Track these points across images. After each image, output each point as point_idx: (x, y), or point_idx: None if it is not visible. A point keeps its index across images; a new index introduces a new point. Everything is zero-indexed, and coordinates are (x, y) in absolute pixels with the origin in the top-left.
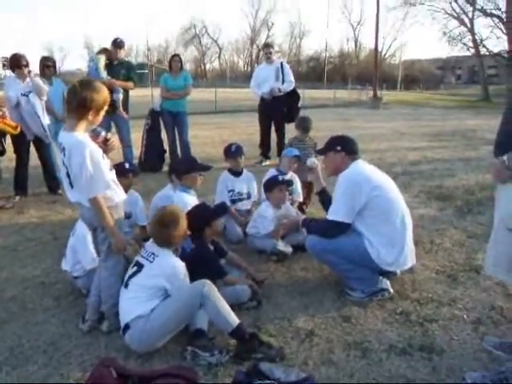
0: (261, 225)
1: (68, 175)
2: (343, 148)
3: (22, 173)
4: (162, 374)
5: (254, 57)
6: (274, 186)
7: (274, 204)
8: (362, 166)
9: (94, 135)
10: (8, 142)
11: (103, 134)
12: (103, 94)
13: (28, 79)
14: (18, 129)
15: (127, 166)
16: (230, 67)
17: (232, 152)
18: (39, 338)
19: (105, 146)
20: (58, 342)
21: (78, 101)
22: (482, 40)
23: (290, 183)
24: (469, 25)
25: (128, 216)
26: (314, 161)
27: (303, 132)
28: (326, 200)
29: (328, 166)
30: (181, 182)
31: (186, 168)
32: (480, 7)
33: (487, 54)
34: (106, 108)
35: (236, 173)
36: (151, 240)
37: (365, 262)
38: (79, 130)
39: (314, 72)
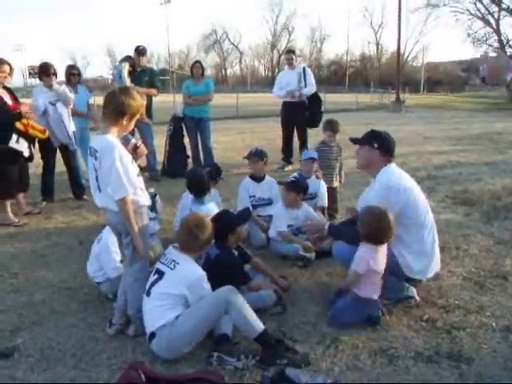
0: (273, 223)
1: (97, 179)
2: (380, 146)
3: (48, 179)
4: (190, 378)
5: (274, 62)
6: (290, 189)
7: (285, 204)
8: (399, 173)
9: (124, 142)
10: (35, 149)
11: (133, 141)
12: (139, 101)
13: (56, 87)
14: (47, 133)
15: None
16: (250, 72)
17: (252, 153)
18: (68, 341)
19: (135, 153)
20: (86, 345)
21: (114, 105)
22: (508, 41)
23: (305, 191)
24: (494, 25)
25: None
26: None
27: (331, 133)
28: (338, 234)
29: (360, 159)
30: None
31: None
32: (506, 7)
33: None
34: (138, 116)
35: (257, 178)
36: (172, 246)
37: (392, 270)
38: (111, 133)
39: (336, 76)
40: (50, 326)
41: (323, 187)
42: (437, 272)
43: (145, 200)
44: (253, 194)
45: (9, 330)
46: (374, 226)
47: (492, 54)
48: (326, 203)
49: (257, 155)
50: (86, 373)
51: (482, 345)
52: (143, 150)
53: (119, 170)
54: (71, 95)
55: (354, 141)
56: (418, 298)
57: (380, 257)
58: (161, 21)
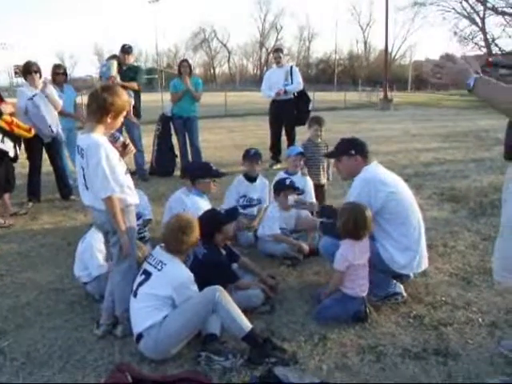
0: (266, 225)
1: (84, 177)
2: (358, 151)
3: (35, 179)
4: (177, 379)
5: (263, 60)
6: (281, 191)
7: (280, 206)
8: (379, 169)
9: (112, 140)
10: (21, 149)
11: (121, 139)
12: (123, 98)
13: (41, 86)
14: (32, 131)
15: None
16: (239, 71)
17: (250, 155)
18: (54, 343)
19: (123, 150)
20: (72, 347)
21: (98, 103)
22: (493, 39)
23: (297, 188)
24: (480, 24)
25: (138, 217)
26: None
27: (318, 127)
28: (328, 214)
29: (343, 170)
30: (194, 186)
31: (200, 173)
32: (491, 6)
33: (499, 53)
34: (124, 114)
35: (251, 178)
36: (159, 247)
37: (377, 265)
38: (97, 131)
39: (324, 74)
40: (35, 328)
41: (310, 183)
42: (425, 268)
43: (132, 199)
44: (244, 194)
45: None
46: (352, 221)
47: (479, 52)
48: (313, 199)
49: (256, 158)
50: (73, 375)
51: (468, 340)
52: (132, 148)
53: (105, 168)
54: (60, 101)
55: (331, 155)
56: (405, 294)
57: (359, 250)
58: (149, 19)
